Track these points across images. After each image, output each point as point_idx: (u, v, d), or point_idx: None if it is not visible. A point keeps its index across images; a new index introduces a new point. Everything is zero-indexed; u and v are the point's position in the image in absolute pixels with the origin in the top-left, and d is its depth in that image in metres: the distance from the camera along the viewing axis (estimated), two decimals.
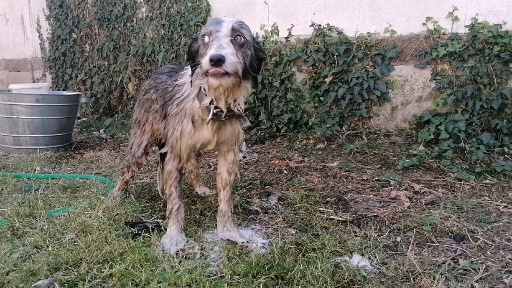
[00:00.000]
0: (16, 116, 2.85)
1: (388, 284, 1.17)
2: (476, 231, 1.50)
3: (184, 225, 1.49)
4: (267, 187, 2.05)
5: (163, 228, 1.50)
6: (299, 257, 1.29)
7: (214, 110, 1.29)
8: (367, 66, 2.98)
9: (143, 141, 1.73)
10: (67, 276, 1.20)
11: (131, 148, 1.80)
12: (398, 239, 1.45)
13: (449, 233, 1.49)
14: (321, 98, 3.14)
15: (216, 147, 1.46)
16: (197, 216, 1.66)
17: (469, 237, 1.45)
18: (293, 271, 1.20)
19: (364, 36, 3.00)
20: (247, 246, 1.38)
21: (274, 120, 3.26)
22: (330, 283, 1.14)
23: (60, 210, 1.70)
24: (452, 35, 2.74)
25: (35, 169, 2.46)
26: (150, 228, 1.51)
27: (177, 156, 1.44)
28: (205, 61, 1.18)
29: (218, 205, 1.53)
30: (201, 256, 1.33)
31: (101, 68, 4.64)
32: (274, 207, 1.78)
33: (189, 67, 1.38)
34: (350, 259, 1.29)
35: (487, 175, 2.11)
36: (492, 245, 1.40)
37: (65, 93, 3.38)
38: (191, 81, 1.35)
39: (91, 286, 1.16)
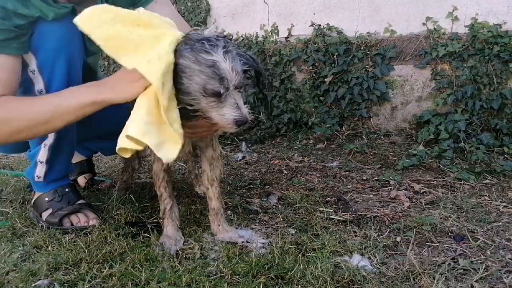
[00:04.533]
0: None
1: (388, 284, 1.17)
2: (476, 231, 1.50)
3: (179, 223, 1.49)
4: (267, 187, 2.05)
5: (163, 228, 1.49)
6: (299, 257, 1.29)
7: None
8: (367, 66, 2.98)
9: None
10: (67, 276, 1.20)
11: None
12: (398, 239, 1.45)
13: (449, 233, 1.49)
14: (321, 98, 3.14)
15: (190, 147, 1.48)
16: (197, 216, 1.66)
17: (469, 237, 1.45)
18: (293, 271, 1.20)
19: (364, 36, 3.00)
20: (247, 246, 1.39)
21: (274, 120, 3.26)
22: (330, 282, 1.14)
23: None
24: (452, 35, 2.74)
25: None
26: (150, 228, 1.51)
27: (159, 157, 1.44)
28: (226, 122, 1.21)
29: (209, 204, 1.51)
30: (200, 256, 1.33)
31: (101, 68, 4.64)
32: (274, 207, 1.78)
33: None
34: (350, 259, 1.29)
35: (487, 175, 2.11)
36: (492, 245, 1.40)
37: None
38: None
39: (91, 286, 1.16)
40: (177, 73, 1.20)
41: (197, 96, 1.20)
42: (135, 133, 1.18)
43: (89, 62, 1.77)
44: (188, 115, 1.26)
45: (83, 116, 1.34)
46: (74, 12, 1.51)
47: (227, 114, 1.20)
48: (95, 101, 1.31)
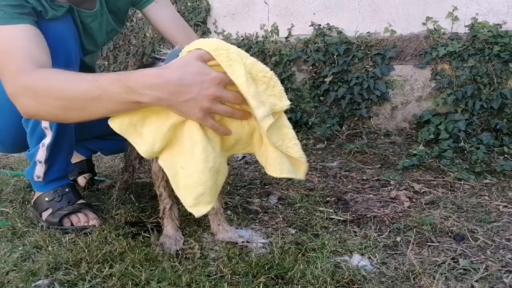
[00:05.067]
0: None
1: (388, 284, 1.17)
2: (476, 231, 1.50)
3: (179, 223, 1.49)
4: (267, 187, 2.05)
5: (162, 228, 1.49)
6: (299, 256, 1.29)
7: None
8: (367, 66, 2.98)
9: None
10: (67, 276, 1.20)
11: (127, 150, 1.80)
12: (398, 239, 1.45)
13: (449, 233, 1.49)
14: (321, 98, 3.14)
15: None
16: None
17: (469, 237, 1.45)
18: (293, 271, 1.20)
19: (364, 36, 3.00)
20: (247, 246, 1.39)
21: None
22: (330, 282, 1.14)
23: None
24: (452, 34, 2.74)
25: None
26: (150, 228, 1.51)
27: None
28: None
29: None
30: (200, 256, 1.33)
31: (101, 68, 4.64)
32: (274, 207, 1.78)
33: None
34: (350, 259, 1.29)
35: (487, 175, 2.11)
36: (492, 245, 1.40)
37: None
38: None
39: (91, 286, 1.16)
40: None
41: None
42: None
43: (86, 61, 1.77)
44: None
45: (120, 111, 1.15)
46: (71, 11, 1.51)
47: None
48: (139, 101, 1.09)
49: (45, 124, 1.50)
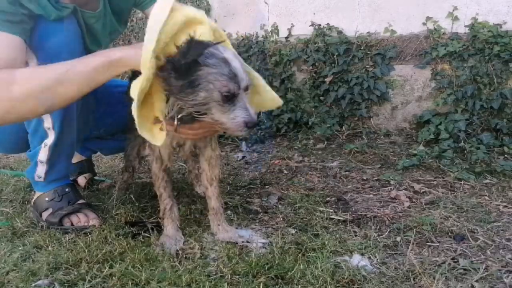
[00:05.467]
0: None
1: (388, 284, 1.17)
2: (476, 231, 1.50)
3: (179, 223, 1.49)
4: (267, 187, 2.05)
5: (163, 228, 1.50)
6: (299, 256, 1.29)
7: (179, 116, 1.26)
8: (367, 66, 2.98)
9: (136, 144, 1.72)
10: (67, 276, 1.20)
11: (126, 150, 1.81)
12: (398, 238, 1.45)
13: (449, 233, 1.49)
14: (321, 98, 3.14)
15: (191, 146, 1.46)
16: (197, 216, 1.66)
17: (469, 237, 1.45)
18: (293, 271, 1.20)
19: (364, 36, 3.00)
20: (247, 246, 1.39)
21: (274, 120, 3.26)
22: (330, 282, 1.14)
23: None
24: (452, 34, 2.74)
25: None
26: (150, 228, 1.51)
27: (158, 158, 1.44)
28: (236, 125, 1.19)
29: (208, 204, 1.51)
30: (201, 256, 1.34)
31: None
32: (274, 207, 1.78)
33: None
34: (350, 259, 1.29)
35: (487, 175, 2.11)
36: (492, 245, 1.40)
37: None
38: None
39: (91, 286, 1.16)
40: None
41: (213, 105, 1.18)
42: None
43: None
44: (192, 119, 1.26)
45: (96, 82, 1.30)
46: (75, 12, 1.51)
47: (238, 116, 1.18)
48: (110, 59, 1.28)
49: (47, 124, 1.50)
